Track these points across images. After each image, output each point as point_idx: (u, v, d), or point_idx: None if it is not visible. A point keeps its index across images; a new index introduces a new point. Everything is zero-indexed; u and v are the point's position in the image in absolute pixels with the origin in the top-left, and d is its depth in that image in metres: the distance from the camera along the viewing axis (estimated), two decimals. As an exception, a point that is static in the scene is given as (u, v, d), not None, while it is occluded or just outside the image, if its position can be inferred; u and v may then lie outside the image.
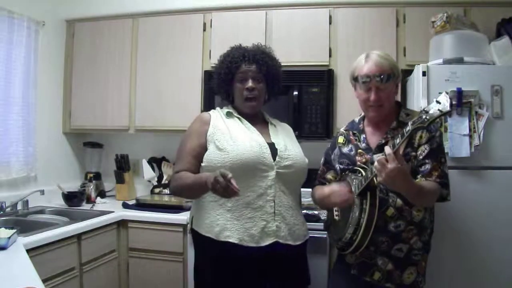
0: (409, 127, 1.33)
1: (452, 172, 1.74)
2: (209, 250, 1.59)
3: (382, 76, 1.54)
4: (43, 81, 2.88)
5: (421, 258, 1.59)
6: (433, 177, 1.51)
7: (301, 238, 1.64)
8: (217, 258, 1.56)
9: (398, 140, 1.36)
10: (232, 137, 1.59)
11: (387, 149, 1.34)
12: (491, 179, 2.00)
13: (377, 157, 1.42)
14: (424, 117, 1.28)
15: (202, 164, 1.63)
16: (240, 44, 1.77)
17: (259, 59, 1.68)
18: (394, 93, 1.63)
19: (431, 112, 1.27)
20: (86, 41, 3.07)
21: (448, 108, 1.24)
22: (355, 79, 1.63)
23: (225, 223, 1.54)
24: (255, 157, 1.55)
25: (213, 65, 1.75)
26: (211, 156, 1.59)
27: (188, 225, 1.77)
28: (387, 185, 1.42)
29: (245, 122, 1.68)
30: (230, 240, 1.52)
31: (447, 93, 1.29)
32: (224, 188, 1.34)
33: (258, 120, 1.75)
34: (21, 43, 2.65)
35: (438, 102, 1.26)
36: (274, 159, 1.59)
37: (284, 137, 1.72)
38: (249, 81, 1.66)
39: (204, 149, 1.63)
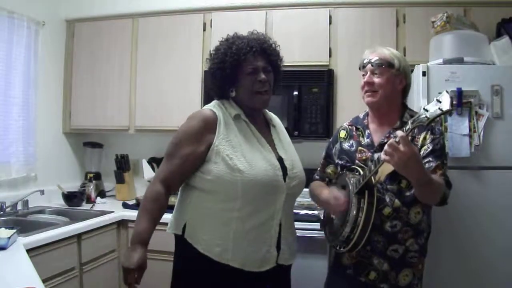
0: (409, 126, 1.33)
1: (452, 172, 1.73)
2: (203, 268, 1.45)
3: (377, 61, 1.58)
4: (43, 81, 2.89)
5: (418, 261, 1.57)
6: (438, 174, 1.50)
7: (295, 253, 1.60)
8: (213, 279, 1.44)
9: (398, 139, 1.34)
10: (244, 155, 1.44)
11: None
12: (491, 179, 2.00)
13: (379, 154, 1.42)
14: (424, 115, 1.28)
15: (206, 177, 1.45)
16: (236, 33, 1.59)
17: (266, 48, 1.54)
18: (395, 87, 1.59)
19: (431, 111, 1.26)
20: (86, 41, 3.07)
21: (448, 107, 1.23)
22: (359, 67, 1.66)
23: (227, 244, 1.42)
24: (269, 181, 1.44)
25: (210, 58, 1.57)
26: (220, 172, 1.42)
27: (173, 229, 1.56)
28: (399, 169, 1.36)
29: (253, 128, 1.53)
30: (232, 264, 1.41)
31: (447, 92, 1.27)
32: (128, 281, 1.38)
33: (261, 120, 1.63)
34: (21, 43, 2.65)
35: (438, 101, 1.25)
36: (285, 180, 1.48)
37: (287, 146, 1.63)
38: (260, 73, 1.49)
39: (201, 158, 1.46)
